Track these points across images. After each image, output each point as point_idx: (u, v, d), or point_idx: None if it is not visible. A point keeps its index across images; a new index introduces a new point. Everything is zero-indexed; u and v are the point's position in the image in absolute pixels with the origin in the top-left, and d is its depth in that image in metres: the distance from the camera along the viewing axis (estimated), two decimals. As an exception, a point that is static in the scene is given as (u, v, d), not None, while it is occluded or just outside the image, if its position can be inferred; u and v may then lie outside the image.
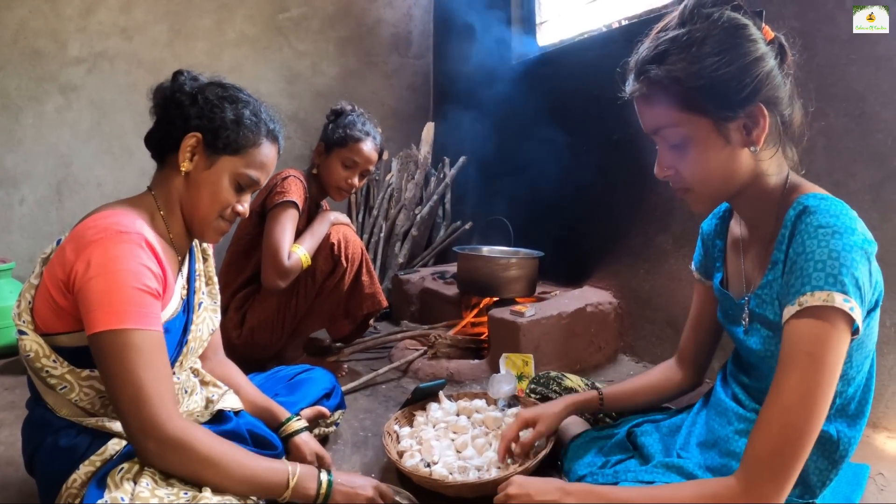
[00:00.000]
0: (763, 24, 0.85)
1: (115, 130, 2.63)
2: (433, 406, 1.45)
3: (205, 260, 1.19)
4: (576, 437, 1.20)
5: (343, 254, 1.81)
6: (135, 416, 0.84)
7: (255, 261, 1.79)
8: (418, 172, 3.03)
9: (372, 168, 1.92)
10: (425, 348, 2.07)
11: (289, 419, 1.21)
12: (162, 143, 1.03)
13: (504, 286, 2.13)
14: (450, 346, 2.05)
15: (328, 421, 1.43)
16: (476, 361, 2.01)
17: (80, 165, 2.59)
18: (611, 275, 2.23)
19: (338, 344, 2.16)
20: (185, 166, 1.00)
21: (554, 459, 1.21)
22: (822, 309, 0.76)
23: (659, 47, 0.84)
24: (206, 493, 0.86)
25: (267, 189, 1.78)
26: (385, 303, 1.99)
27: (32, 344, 0.92)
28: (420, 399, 1.48)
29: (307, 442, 1.19)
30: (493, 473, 1.16)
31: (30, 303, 0.94)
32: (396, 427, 1.38)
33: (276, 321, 1.79)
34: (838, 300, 0.75)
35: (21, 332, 0.93)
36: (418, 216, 2.95)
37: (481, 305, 2.24)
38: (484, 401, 1.47)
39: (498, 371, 1.65)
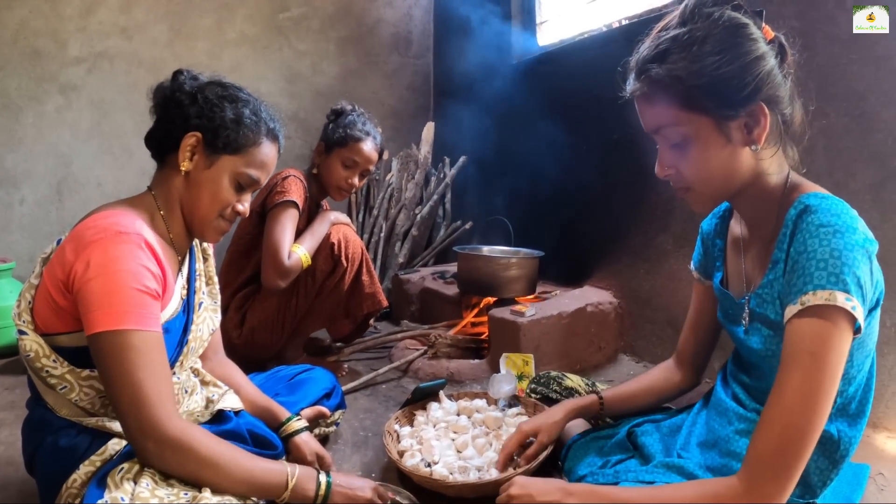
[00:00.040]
0: (763, 24, 0.85)
1: (115, 130, 2.63)
2: (434, 405, 1.45)
3: (205, 260, 1.19)
4: (576, 437, 1.20)
5: (343, 253, 1.81)
6: (134, 416, 0.84)
7: (256, 260, 1.79)
8: (418, 172, 3.03)
9: (372, 168, 1.92)
10: (425, 348, 2.07)
11: (289, 419, 1.21)
12: (162, 143, 1.03)
13: (504, 286, 2.13)
14: (450, 345, 2.05)
15: (328, 421, 1.42)
16: (476, 361, 2.01)
17: (80, 165, 2.59)
18: (611, 274, 2.23)
19: (338, 344, 2.16)
20: (185, 166, 1.00)
21: (554, 459, 1.21)
22: (824, 308, 0.76)
23: (660, 46, 0.84)
24: (206, 494, 0.86)
25: (267, 189, 1.77)
26: (385, 302, 1.98)
27: (32, 344, 0.92)
28: (420, 399, 1.48)
29: (307, 442, 1.19)
30: (494, 474, 1.16)
31: (30, 303, 0.94)
32: (397, 426, 1.38)
33: (277, 321, 1.79)
34: (840, 299, 0.75)
35: (21, 332, 0.93)
36: (418, 216, 2.95)
37: (481, 305, 2.24)
38: (484, 401, 1.47)
39: (498, 371, 1.65)
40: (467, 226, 2.93)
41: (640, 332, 2.11)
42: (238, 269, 1.85)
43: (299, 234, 1.76)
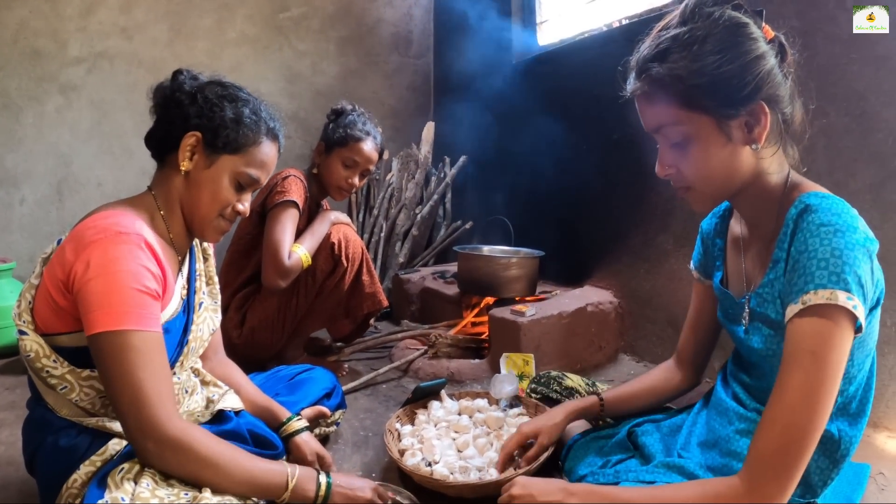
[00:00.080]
0: (763, 24, 0.85)
1: (115, 130, 2.63)
2: (435, 405, 1.45)
3: (205, 259, 1.19)
4: (577, 437, 1.20)
5: (343, 253, 1.81)
6: (134, 416, 0.84)
7: (256, 260, 1.79)
8: (419, 172, 3.03)
9: (372, 167, 1.92)
10: (426, 348, 2.07)
11: (289, 419, 1.21)
12: (162, 143, 1.03)
13: (504, 286, 2.13)
14: (450, 345, 2.05)
15: (329, 420, 1.42)
16: (476, 361, 2.01)
17: (80, 165, 2.59)
18: (611, 274, 2.23)
19: (338, 343, 2.16)
20: (185, 165, 1.00)
21: (555, 460, 1.21)
22: (825, 307, 0.76)
23: (660, 46, 0.84)
24: (207, 494, 0.86)
25: (267, 188, 1.77)
26: (385, 302, 1.98)
27: (33, 344, 0.92)
28: (420, 398, 1.48)
29: (308, 442, 1.19)
30: (494, 474, 1.16)
31: (30, 303, 0.94)
32: (398, 425, 1.38)
33: (277, 321, 1.79)
34: (841, 298, 0.75)
35: (21, 332, 0.93)
36: (419, 216, 2.95)
37: (482, 305, 2.24)
38: (486, 400, 1.47)
39: (498, 370, 1.65)
40: (467, 225, 2.93)
41: (641, 331, 2.11)
42: (238, 268, 1.85)
43: (299, 233, 1.76)
